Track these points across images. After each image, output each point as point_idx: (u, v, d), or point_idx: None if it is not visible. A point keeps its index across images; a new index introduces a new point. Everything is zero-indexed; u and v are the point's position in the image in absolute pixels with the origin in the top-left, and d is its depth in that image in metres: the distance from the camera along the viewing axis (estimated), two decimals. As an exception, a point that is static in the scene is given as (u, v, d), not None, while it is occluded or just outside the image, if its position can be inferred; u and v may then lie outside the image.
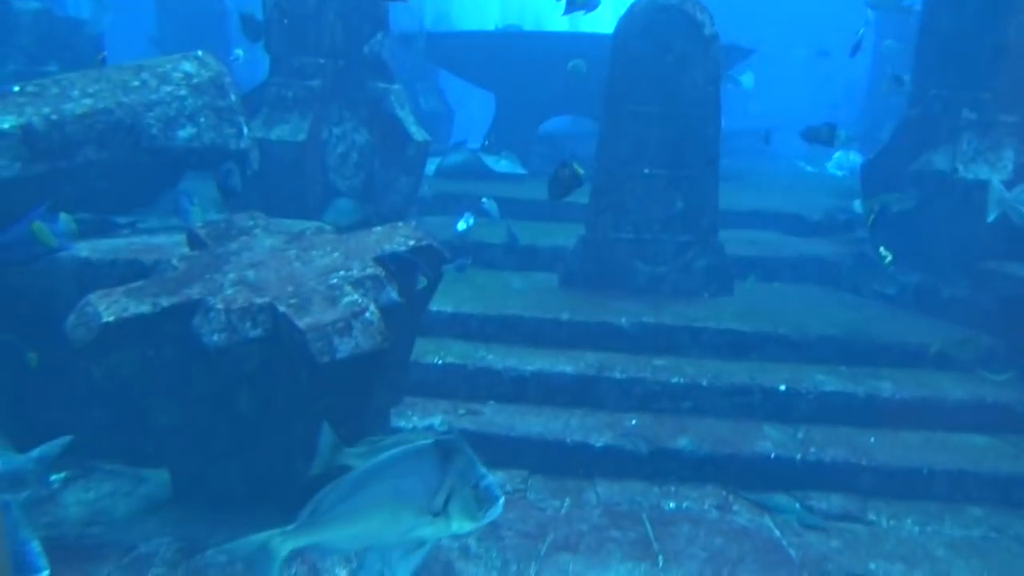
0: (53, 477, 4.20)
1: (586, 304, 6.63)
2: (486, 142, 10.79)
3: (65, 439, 3.61)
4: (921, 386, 5.80)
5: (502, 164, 10.16)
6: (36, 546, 3.41)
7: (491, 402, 5.72)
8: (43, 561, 3.39)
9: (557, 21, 10.28)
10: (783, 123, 10.83)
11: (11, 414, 4.32)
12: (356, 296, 3.93)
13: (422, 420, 5.40)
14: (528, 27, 15.38)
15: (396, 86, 8.09)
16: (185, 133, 5.41)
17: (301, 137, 7.12)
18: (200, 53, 5.74)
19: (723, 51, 7.24)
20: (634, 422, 5.54)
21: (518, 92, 10.94)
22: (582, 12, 8.27)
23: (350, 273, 4.13)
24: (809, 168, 13.05)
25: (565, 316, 6.37)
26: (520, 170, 10.23)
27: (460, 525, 2.43)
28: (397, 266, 4.26)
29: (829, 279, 7.65)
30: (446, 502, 2.39)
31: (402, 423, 5.31)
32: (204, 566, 3.58)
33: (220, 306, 3.82)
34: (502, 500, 2.43)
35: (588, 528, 4.68)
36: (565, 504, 4.94)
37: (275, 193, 6.75)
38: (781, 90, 16.70)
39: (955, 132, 6.79)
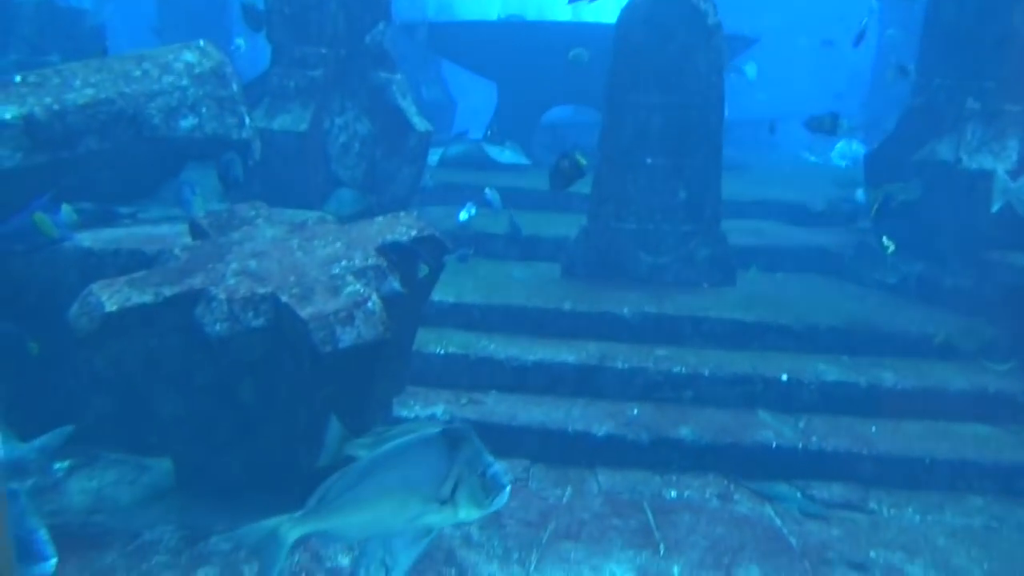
0: (57, 466, 4.23)
1: (588, 294, 6.64)
2: (488, 132, 10.77)
3: (66, 429, 3.63)
4: (923, 376, 5.80)
5: (506, 154, 10.13)
6: (44, 534, 3.43)
7: (493, 392, 5.74)
8: (51, 549, 3.41)
9: (560, 11, 10.24)
10: (787, 113, 10.79)
11: (15, 403, 4.34)
12: (358, 286, 3.94)
13: (424, 409, 5.42)
14: (530, 17, 15.32)
15: (398, 76, 8.07)
16: (187, 123, 5.41)
17: (303, 127, 7.11)
18: (202, 43, 5.73)
19: (726, 40, 7.20)
20: (636, 411, 5.55)
21: (520, 82, 10.91)
22: (585, 1, 8.24)
23: (352, 263, 4.14)
24: (812, 158, 13.01)
25: (567, 306, 6.38)
26: (523, 160, 10.21)
27: (467, 513, 2.45)
28: (398, 255, 4.27)
29: (832, 269, 7.64)
30: (453, 490, 2.40)
31: (404, 412, 5.33)
32: (208, 553, 3.60)
33: (222, 296, 3.83)
34: (508, 488, 2.45)
35: (590, 517, 4.70)
36: (567, 493, 4.96)
37: (277, 183, 6.74)
38: (785, 80, 16.62)
39: (959, 122, 6.76)
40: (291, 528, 2.61)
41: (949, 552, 4.52)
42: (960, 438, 5.39)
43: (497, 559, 4.15)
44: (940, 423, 5.53)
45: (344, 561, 3.58)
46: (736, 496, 4.99)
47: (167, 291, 3.88)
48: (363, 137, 7.75)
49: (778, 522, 4.74)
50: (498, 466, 2.43)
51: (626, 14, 7.05)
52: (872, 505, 4.95)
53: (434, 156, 9.76)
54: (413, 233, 4.50)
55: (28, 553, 3.36)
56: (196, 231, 4.62)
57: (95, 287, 3.87)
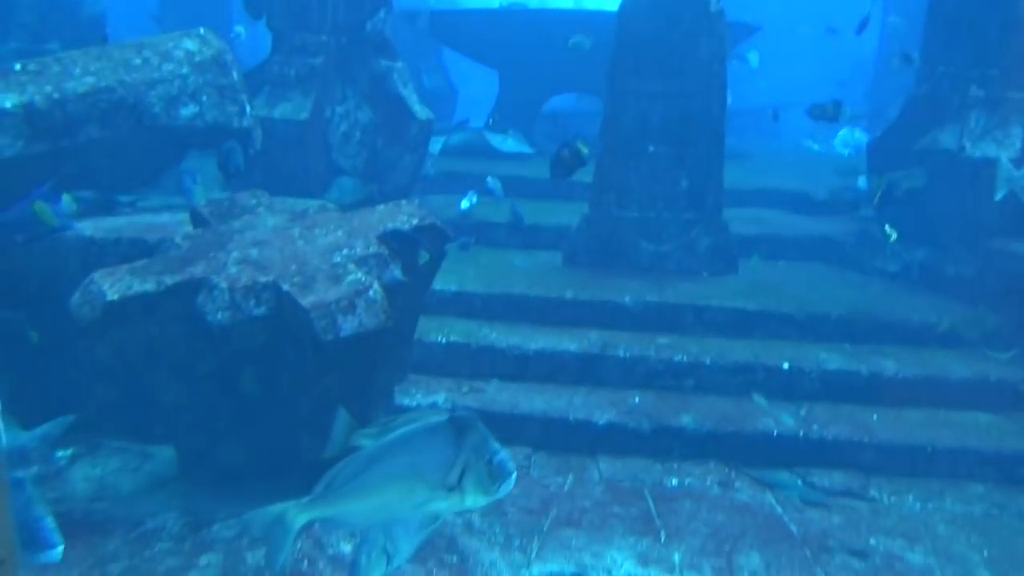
0: (60, 454, 4.25)
1: (590, 283, 6.63)
2: (490, 121, 10.73)
3: (67, 418, 3.64)
4: (925, 364, 5.80)
5: (508, 143, 10.09)
6: (50, 522, 3.45)
7: (495, 380, 5.74)
8: (57, 537, 3.43)
9: (561, -2, 10.18)
10: (790, 101, 10.74)
11: (17, 392, 4.35)
12: (360, 274, 3.94)
13: (426, 398, 5.43)
14: (532, 4, 15.24)
15: (399, 64, 8.03)
16: (187, 111, 5.40)
17: (304, 115, 7.09)
18: (202, 31, 5.72)
19: (729, 28, 7.16)
20: (637, 400, 5.56)
21: (522, 70, 10.86)
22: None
23: (354, 251, 4.14)
24: (815, 147, 12.95)
25: (569, 294, 6.37)
26: (527, 149, 10.18)
27: (474, 500, 2.46)
28: (400, 243, 4.27)
29: (834, 257, 7.63)
30: (460, 477, 2.41)
31: (406, 401, 5.34)
32: (210, 540, 3.62)
33: (224, 284, 3.84)
34: (514, 475, 2.46)
35: (591, 504, 4.72)
36: (568, 481, 4.97)
37: (278, 172, 6.73)
38: (787, 68, 16.54)
39: (963, 109, 6.73)
40: (298, 514, 2.63)
41: (949, 539, 4.53)
42: (961, 426, 5.39)
43: (499, 546, 4.17)
44: (941, 411, 5.54)
45: (346, 548, 3.61)
46: (737, 484, 5.01)
47: (169, 280, 3.89)
48: (364, 125, 7.73)
49: (779, 510, 4.76)
50: (504, 453, 2.44)
51: (628, 1, 7.01)
52: (873, 493, 4.97)
53: (436, 145, 9.73)
54: (415, 222, 4.50)
55: (35, 540, 3.39)
56: (197, 220, 4.62)
57: (97, 275, 3.88)
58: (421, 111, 8.04)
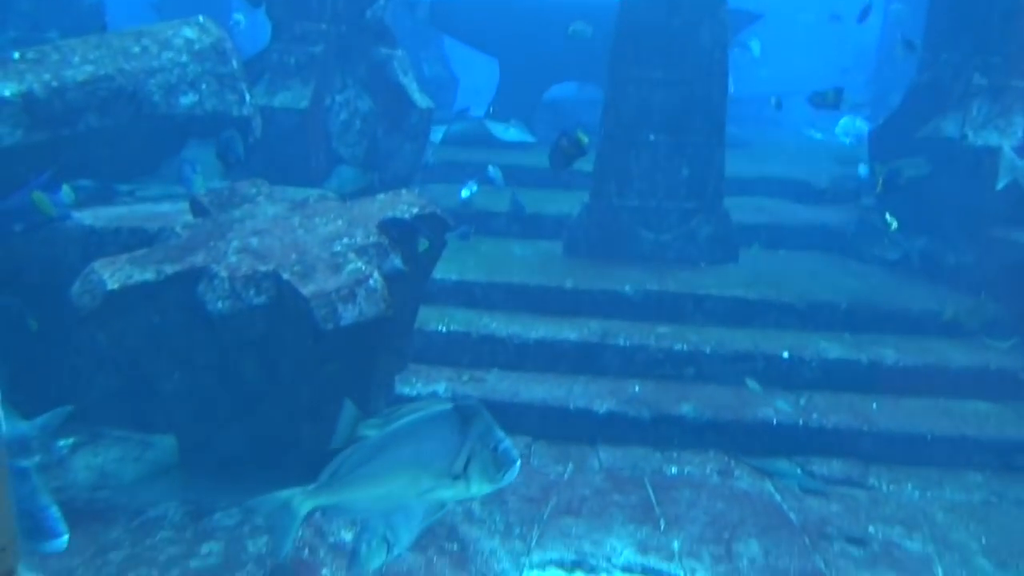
0: (61, 443, 4.27)
1: (590, 272, 6.63)
2: (490, 109, 10.69)
3: (66, 408, 3.65)
4: (924, 353, 5.81)
5: (511, 132, 10.05)
6: (55, 511, 3.47)
7: (495, 369, 5.76)
8: (62, 526, 3.45)
9: (562, -15, 10.12)
10: (792, 89, 10.68)
11: (18, 381, 4.36)
12: (360, 263, 3.94)
13: (426, 387, 5.44)
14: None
15: (399, 52, 8.00)
16: (187, 100, 5.38)
17: (304, 104, 7.06)
18: (201, 19, 5.69)
19: (730, 15, 7.13)
20: (637, 389, 5.57)
21: (522, 58, 10.82)
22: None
23: (354, 240, 4.13)
24: (817, 135, 12.90)
25: (569, 284, 6.38)
26: (529, 138, 10.14)
27: (479, 487, 2.48)
28: (398, 231, 4.26)
29: (835, 246, 7.62)
30: (466, 465, 2.42)
31: (406, 390, 5.35)
32: (212, 529, 3.64)
33: (224, 273, 3.84)
34: (519, 462, 2.48)
35: (591, 493, 4.74)
36: (568, 469, 4.99)
37: (278, 161, 6.71)
38: (790, 56, 16.46)
39: (965, 98, 6.70)
40: (304, 500, 2.65)
41: (948, 527, 4.55)
42: (961, 415, 5.40)
43: (499, 534, 4.19)
44: (941, 400, 5.55)
45: (347, 537, 3.62)
46: (736, 472, 5.02)
47: (169, 269, 3.89)
48: (364, 114, 7.70)
49: (778, 498, 4.77)
50: (508, 441, 2.46)
51: (629, -12, 6.98)
52: (872, 481, 4.98)
53: (436, 134, 9.70)
54: (415, 211, 4.49)
55: (40, 530, 3.40)
56: (197, 209, 4.61)
57: (97, 265, 3.88)
58: (421, 100, 8.01)
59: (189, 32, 5.54)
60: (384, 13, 7.83)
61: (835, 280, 6.73)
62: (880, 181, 6.29)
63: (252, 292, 3.82)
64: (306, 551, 3.46)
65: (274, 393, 4.06)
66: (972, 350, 5.85)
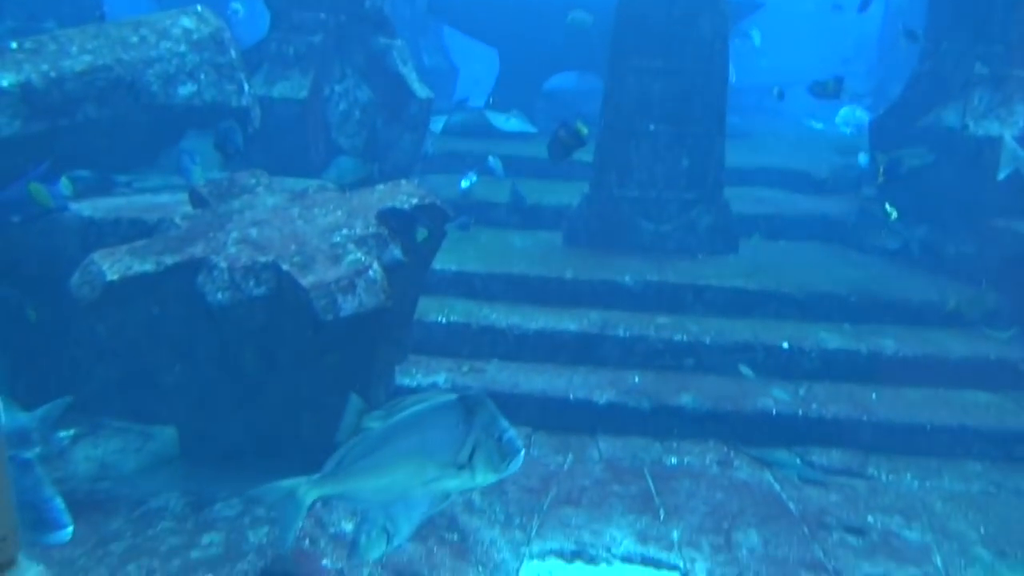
0: (62, 434, 4.27)
1: (590, 262, 6.63)
2: (490, 100, 10.66)
3: (66, 399, 3.65)
4: (924, 343, 5.81)
5: (512, 123, 10.02)
6: (59, 503, 3.47)
7: (495, 360, 5.76)
8: (67, 518, 3.45)
9: (562, -26, 10.05)
10: (793, 79, 10.65)
11: (19, 373, 4.37)
12: (359, 254, 3.94)
13: (426, 378, 5.45)
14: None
15: (398, 42, 7.97)
16: (185, 90, 5.36)
17: (303, 94, 7.04)
18: (199, 8, 5.66)
19: (731, 4, 7.10)
20: (637, 379, 5.58)
21: (522, 48, 10.78)
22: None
23: (353, 231, 4.13)
24: (818, 125, 12.87)
25: (569, 274, 6.37)
26: (530, 128, 10.10)
27: (484, 477, 2.50)
28: (398, 221, 4.26)
29: (835, 237, 7.61)
30: (471, 455, 2.42)
31: (406, 381, 5.36)
32: (213, 519, 3.65)
33: (224, 264, 3.83)
34: (523, 452, 2.49)
35: (590, 483, 4.75)
36: (568, 460, 5.00)
37: (277, 151, 6.70)
38: (790, 45, 16.39)
39: (966, 87, 6.67)
40: (309, 490, 2.66)
41: (946, 516, 4.56)
42: (960, 405, 5.41)
43: (499, 524, 4.21)
44: (940, 390, 5.56)
45: (348, 527, 3.64)
46: (736, 462, 5.03)
47: (168, 260, 3.89)
48: (363, 104, 7.68)
49: (777, 488, 4.79)
50: (513, 431, 2.48)
51: (629, -23, 6.94)
52: (871, 471, 4.99)
53: (437, 124, 9.67)
54: (414, 201, 4.48)
55: (44, 521, 3.41)
56: (196, 200, 4.60)
57: (96, 256, 3.87)
58: (421, 90, 7.98)
59: (187, 22, 5.51)
60: (383, 2, 7.79)
61: (835, 270, 6.73)
62: (881, 170, 6.28)
63: (252, 283, 3.82)
64: (307, 541, 3.47)
65: (274, 384, 4.06)
66: (972, 340, 5.86)
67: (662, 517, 4.44)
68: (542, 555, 4.11)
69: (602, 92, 7.29)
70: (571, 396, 5.38)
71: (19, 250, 4.47)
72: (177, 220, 4.29)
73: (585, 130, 5.21)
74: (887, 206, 6.45)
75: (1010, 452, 5.13)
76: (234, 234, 4.08)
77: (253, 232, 4.11)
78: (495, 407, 2.49)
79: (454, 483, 2.52)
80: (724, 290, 6.27)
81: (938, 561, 4.15)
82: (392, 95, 7.83)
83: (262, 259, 3.89)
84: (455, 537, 3.92)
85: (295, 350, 3.94)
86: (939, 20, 7.13)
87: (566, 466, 4.93)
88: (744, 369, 5.46)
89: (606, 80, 7.19)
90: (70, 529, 3.42)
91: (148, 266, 3.84)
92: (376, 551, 2.99)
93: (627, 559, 4.11)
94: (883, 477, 4.95)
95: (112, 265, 3.81)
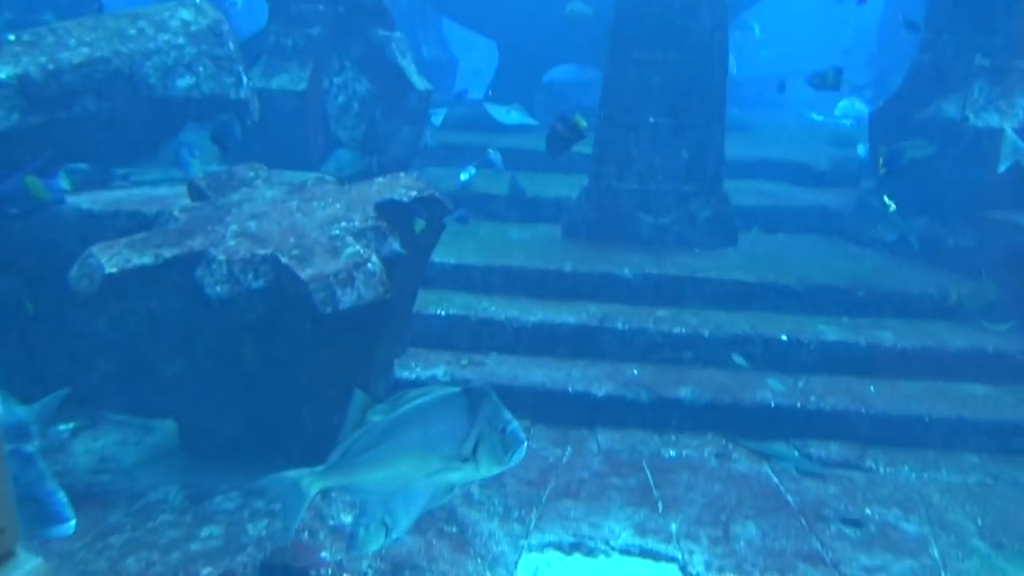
0: (61, 427, 4.28)
1: (589, 255, 6.62)
2: (489, 92, 10.63)
3: (63, 391, 3.66)
4: (923, 336, 5.82)
5: (512, 116, 9.98)
6: (62, 497, 3.49)
7: (493, 353, 5.76)
8: (69, 511, 3.47)
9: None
10: (793, 71, 10.62)
11: (17, 367, 4.37)
12: (358, 247, 3.94)
13: (425, 371, 5.45)
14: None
15: (397, 34, 7.94)
16: (184, 83, 5.35)
17: (301, 87, 7.03)
18: (197, 0, 5.64)
19: (731, -4, 7.08)
20: (636, 372, 5.58)
21: (521, 40, 10.74)
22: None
23: (352, 224, 4.13)
24: (819, 117, 12.84)
25: (568, 267, 6.37)
26: (531, 121, 10.06)
27: (488, 469, 2.51)
28: (397, 214, 4.25)
29: (834, 229, 7.61)
30: (475, 447, 2.43)
31: (405, 374, 5.36)
32: (212, 512, 3.66)
33: (222, 257, 3.83)
34: (526, 444, 2.51)
35: (589, 475, 4.76)
36: (567, 452, 5.01)
37: (276, 144, 6.69)
38: (791, 37, 16.34)
39: (967, 79, 6.65)
40: (313, 481, 2.67)
41: (944, 508, 4.58)
42: (958, 397, 5.42)
43: (498, 517, 4.22)
44: (938, 383, 5.56)
45: (347, 519, 3.65)
46: (734, 455, 5.05)
47: (167, 253, 3.88)
48: (362, 97, 7.66)
49: (775, 480, 4.80)
50: (516, 423, 2.49)
51: (629, -32, 6.91)
52: (869, 463, 5.01)
53: (437, 117, 9.65)
54: (413, 194, 4.48)
55: (47, 515, 3.42)
56: (195, 192, 4.60)
57: (95, 249, 3.87)
58: (420, 82, 7.96)
59: (185, 14, 5.50)
60: (382, -6, 7.76)
61: (834, 263, 6.73)
62: (881, 161, 6.26)
63: (250, 276, 3.82)
64: (306, 534, 3.49)
65: (273, 377, 4.07)
66: (970, 333, 5.86)
67: (660, 509, 4.46)
68: (541, 547, 4.12)
69: (601, 84, 7.27)
70: (570, 389, 5.38)
71: (18, 243, 4.47)
72: (176, 213, 4.28)
73: (583, 123, 5.20)
74: (885, 198, 6.45)
75: (1007, 444, 5.14)
76: (233, 227, 4.08)
77: (252, 225, 4.11)
78: (498, 399, 2.50)
79: (458, 475, 2.53)
80: (723, 283, 6.27)
81: (935, 553, 4.17)
82: (391, 87, 7.81)
83: (261, 252, 3.89)
84: (454, 529, 3.93)
85: (294, 343, 3.95)
86: (939, 11, 7.10)
87: (565, 459, 4.94)
88: (737, 358, 5.47)
89: (605, 72, 7.17)
90: (73, 523, 3.44)
91: (147, 259, 3.84)
92: (374, 544, 3.00)
93: (625, 551, 4.12)
94: (881, 469, 4.97)
95: (111, 258, 3.81)
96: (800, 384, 5.49)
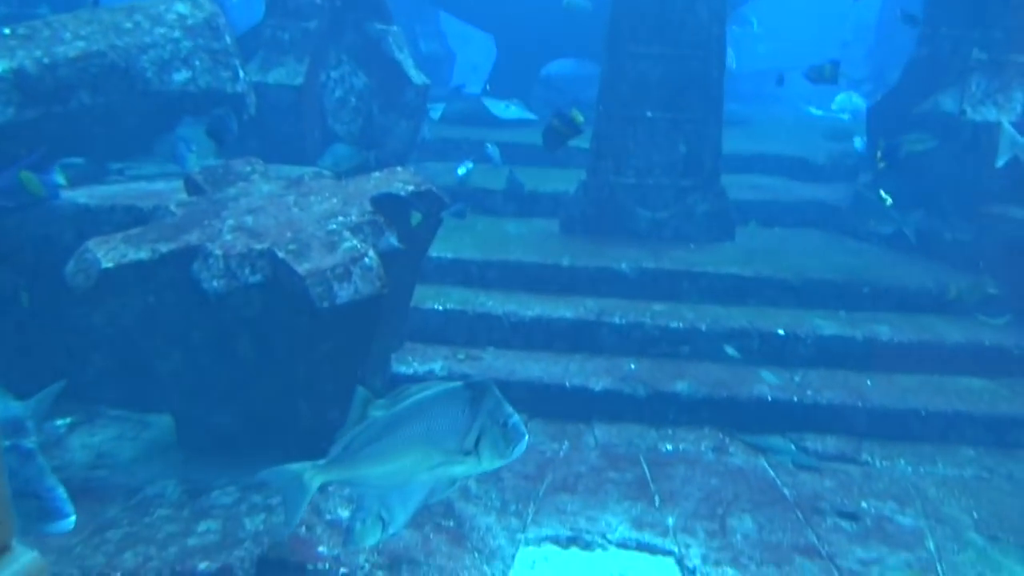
0: (58, 422, 4.28)
1: (586, 250, 6.62)
2: (487, 87, 10.61)
3: (58, 385, 3.65)
4: (919, 330, 5.83)
5: (512, 111, 9.96)
6: (62, 492, 3.48)
7: (491, 347, 5.77)
8: (69, 507, 3.46)
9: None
10: (791, 65, 10.61)
11: (12, 362, 4.36)
12: (355, 241, 3.93)
13: (422, 365, 5.45)
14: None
15: (394, 28, 7.92)
16: (180, 76, 5.34)
17: (298, 81, 7.01)
18: (193, -7, 5.62)
19: (729, -10, 7.06)
20: (633, 366, 5.59)
21: (519, 34, 10.72)
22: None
23: (349, 219, 4.13)
24: (817, 112, 12.84)
25: (565, 262, 6.37)
26: (529, 116, 10.05)
27: (490, 462, 2.53)
28: (393, 208, 4.25)
29: (832, 224, 7.61)
30: (477, 441, 2.45)
31: (402, 368, 5.37)
32: (209, 507, 3.67)
33: (219, 252, 3.83)
34: (527, 437, 2.53)
35: (586, 470, 4.77)
36: (564, 447, 5.02)
37: (272, 138, 6.68)
38: (789, 31, 16.32)
39: (964, 73, 6.65)
40: (316, 474, 2.69)
41: (939, 501, 4.59)
42: (954, 391, 5.44)
43: (495, 511, 4.23)
44: (935, 376, 5.58)
45: (344, 514, 3.65)
46: (731, 449, 5.06)
47: (163, 248, 3.88)
48: (359, 91, 7.64)
49: (772, 474, 4.81)
50: (517, 416, 2.50)
51: (626, -38, 6.89)
52: (865, 457, 5.02)
53: (436, 112, 9.64)
54: (410, 188, 4.48)
55: (47, 511, 3.42)
56: (192, 187, 4.59)
57: (91, 243, 3.86)
58: (417, 76, 7.94)
59: (181, 7, 5.48)
60: (379, -12, 7.74)
61: (831, 257, 6.73)
62: (879, 155, 6.25)
63: (247, 271, 3.82)
64: (303, 528, 3.49)
65: (270, 372, 4.07)
66: (966, 327, 5.87)
67: (657, 503, 4.47)
68: (538, 541, 4.13)
69: (599, 79, 7.26)
70: (567, 383, 5.39)
71: (13, 238, 4.47)
72: (172, 207, 4.27)
73: (580, 118, 5.19)
74: (881, 192, 6.45)
75: (1003, 438, 5.16)
76: (230, 221, 4.07)
77: (248, 219, 4.11)
78: (500, 394, 2.52)
79: (460, 469, 2.55)
80: (720, 277, 6.28)
81: (931, 546, 4.18)
82: (388, 81, 7.79)
83: (258, 246, 3.88)
84: (451, 524, 3.94)
85: (291, 338, 3.95)
86: (938, 5, 7.09)
87: (562, 453, 4.95)
88: (729, 350, 5.47)
89: (603, 66, 7.16)
90: (73, 519, 3.44)
91: (143, 254, 3.84)
92: (371, 538, 3.01)
93: (622, 545, 4.13)
94: (877, 463, 4.98)
95: (107, 253, 3.81)
96: (797, 378, 5.50)
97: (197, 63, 5.42)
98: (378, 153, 7.58)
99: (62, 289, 3.83)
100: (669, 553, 4.07)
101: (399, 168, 4.80)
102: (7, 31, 4.96)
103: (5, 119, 4.69)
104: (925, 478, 4.84)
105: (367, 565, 3.43)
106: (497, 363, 5.57)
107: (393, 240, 4.16)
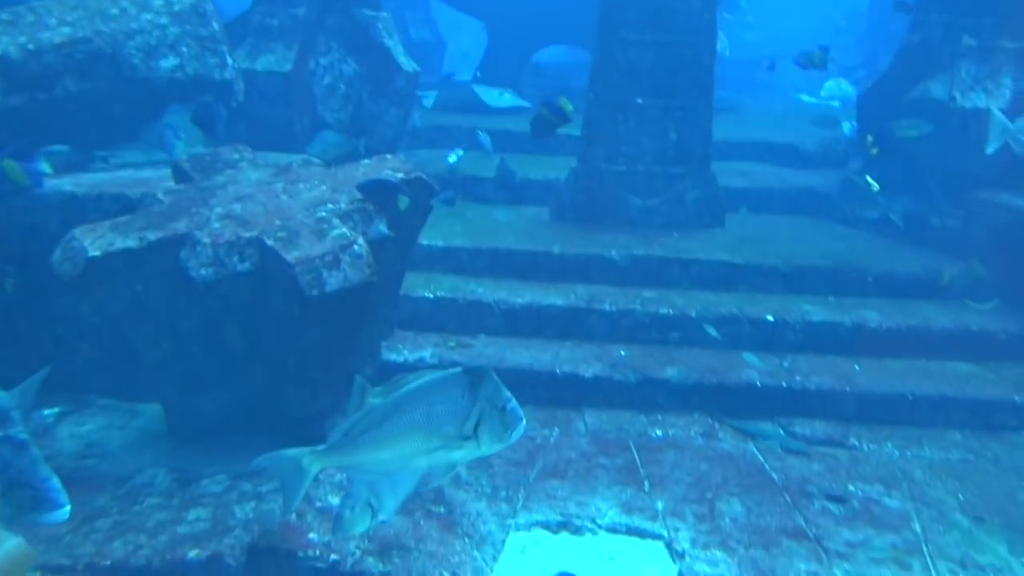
0: (46, 412, 4.26)
1: (577, 237, 6.63)
2: (477, 74, 10.56)
3: (42, 371, 3.63)
4: (907, 315, 5.86)
5: (505, 98, 9.91)
6: (56, 482, 3.47)
7: (481, 335, 5.77)
8: (64, 497, 3.45)
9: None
10: (782, 52, 10.60)
11: (0, 352, 4.34)
12: (344, 229, 3.93)
13: (413, 353, 5.46)
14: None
15: (384, 14, 7.87)
16: (167, 63, 5.30)
17: (287, 67, 6.96)
18: (179, -21, 5.57)
19: (720, -24, 7.04)
20: (623, 353, 5.61)
21: (510, 21, 10.66)
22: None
23: (338, 206, 4.12)
24: (807, 99, 12.84)
25: (556, 249, 6.37)
26: (523, 103, 9.99)
27: (489, 447, 2.56)
28: (382, 195, 4.24)
29: (821, 210, 7.63)
30: (476, 426, 2.47)
31: (393, 356, 5.37)
32: (199, 495, 3.67)
33: (207, 240, 3.82)
34: (524, 421, 2.56)
35: (576, 455, 4.79)
36: (554, 433, 5.04)
37: (261, 125, 6.64)
38: (781, 18, 16.28)
39: (954, 59, 6.65)
40: (314, 460, 2.70)
41: (926, 484, 4.64)
42: (941, 375, 5.48)
43: (485, 497, 4.24)
44: (922, 361, 5.62)
45: (334, 501, 3.66)
46: (720, 434, 5.09)
47: (151, 236, 3.86)
48: (349, 78, 7.60)
49: (761, 458, 4.85)
50: (515, 401, 2.53)
51: (617, -53, 6.86)
52: (853, 441, 5.06)
53: (428, 99, 9.59)
54: (399, 176, 4.46)
55: (42, 501, 3.41)
56: (179, 175, 4.57)
57: (78, 232, 3.84)
58: (407, 63, 7.90)
59: (168, -7, 5.43)
60: (368, -27, 7.69)
61: (820, 244, 6.76)
62: (870, 140, 6.25)
63: (236, 259, 3.81)
64: (293, 515, 3.50)
65: (259, 360, 4.06)
66: (954, 312, 5.91)
67: (647, 488, 4.50)
68: (528, 526, 4.15)
69: (590, 66, 7.24)
70: (557, 370, 5.41)
71: (1, 227, 4.43)
72: (160, 195, 4.25)
73: (569, 107, 5.18)
74: (868, 178, 6.46)
75: (989, 421, 5.21)
76: (218, 209, 4.06)
77: (237, 207, 4.09)
78: (498, 379, 2.54)
79: (459, 454, 2.57)
80: (710, 264, 6.29)
81: (917, 527, 4.23)
82: (378, 68, 7.75)
83: (246, 234, 3.87)
84: (442, 510, 3.95)
85: (280, 326, 3.94)
86: (929, -11, 7.09)
87: (552, 439, 4.97)
88: (710, 330, 5.49)
89: (594, 53, 7.14)
90: (67, 508, 3.43)
91: (131, 242, 3.82)
92: (360, 526, 3.02)
93: (612, 529, 4.16)
94: (864, 447, 5.02)
95: (94, 241, 3.79)
96: (786, 363, 5.53)
97: (184, 49, 5.38)
98: (367, 141, 7.54)
99: (49, 278, 3.81)
100: (658, 537, 4.11)
101: (388, 156, 4.78)
102: (-9, 17, 4.92)
103: (-11, 106, 4.65)
104: (912, 461, 4.88)
105: (357, 551, 3.44)
106: (488, 350, 5.58)
107: (383, 228, 4.15)
